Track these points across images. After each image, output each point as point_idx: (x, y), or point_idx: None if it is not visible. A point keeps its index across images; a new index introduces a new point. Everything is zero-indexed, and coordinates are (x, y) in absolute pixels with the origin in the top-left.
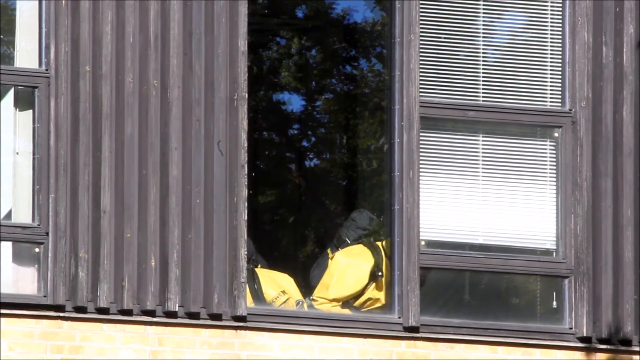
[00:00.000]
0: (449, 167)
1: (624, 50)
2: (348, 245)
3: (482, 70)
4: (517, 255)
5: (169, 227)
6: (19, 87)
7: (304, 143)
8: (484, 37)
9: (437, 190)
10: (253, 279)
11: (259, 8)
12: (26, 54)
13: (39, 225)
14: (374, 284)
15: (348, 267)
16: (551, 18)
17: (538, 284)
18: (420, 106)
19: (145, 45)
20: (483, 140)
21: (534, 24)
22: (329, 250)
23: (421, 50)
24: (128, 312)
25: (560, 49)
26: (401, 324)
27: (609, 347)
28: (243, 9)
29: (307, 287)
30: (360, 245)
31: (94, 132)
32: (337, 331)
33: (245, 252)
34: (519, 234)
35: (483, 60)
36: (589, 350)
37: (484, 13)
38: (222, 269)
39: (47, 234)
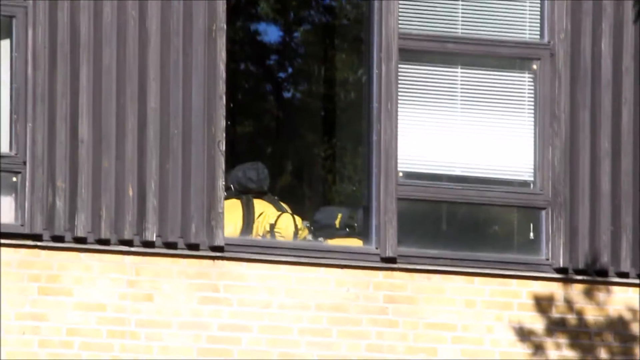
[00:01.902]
0: (427, 99)
1: None
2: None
3: (460, 2)
4: (494, 186)
5: (147, 157)
6: None
7: (282, 74)
8: None
9: (415, 122)
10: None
11: None
12: None
13: (16, 154)
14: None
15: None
16: None
17: (515, 215)
18: (399, 38)
19: None
20: (461, 72)
21: None
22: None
23: None
24: (105, 242)
25: None
26: (378, 254)
27: (585, 277)
28: None
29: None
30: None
31: (71, 62)
32: (314, 262)
33: (223, 183)
34: (496, 166)
35: None
36: (566, 281)
37: None
38: (199, 200)
39: (25, 163)
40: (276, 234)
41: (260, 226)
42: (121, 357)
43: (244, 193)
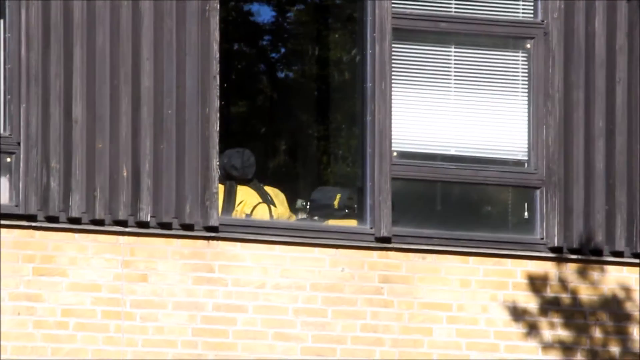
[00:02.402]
0: (421, 79)
1: None
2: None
3: None
4: (488, 166)
5: (141, 137)
6: None
7: (275, 54)
8: None
9: (409, 102)
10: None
11: None
12: None
13: (10, 135)
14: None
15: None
16: None
17: (510, 194)
18: (393, 17)
19: None
20: (455, 52)
21: None
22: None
23: None
24: (100, 222)
25: None
26: (373, 234)
27: (579, 257)
28: None
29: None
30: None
31: (65, 42)
32: (309, 242)
33: (217, 163)
34: (490, 145)
35: None
36: (560, 260)
37: None
38: (194, 180)
39: (19, 144)
40: None
41: (240, 213)
42: (116, 338)
43: (228, 179)
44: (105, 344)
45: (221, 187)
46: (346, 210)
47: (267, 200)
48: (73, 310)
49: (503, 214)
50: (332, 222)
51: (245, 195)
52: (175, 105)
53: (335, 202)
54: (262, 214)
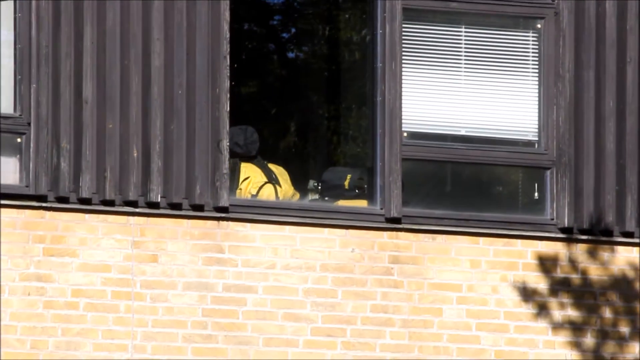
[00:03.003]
0: (431, 59)
1: None
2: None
3: None
4: (499, 146)
5: (151, 118)
6: None
7: (286, 34)
8: None
9: (419, 82)
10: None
11: None
12: None
13: (20, 115)
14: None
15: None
16: None
17: (520, 175)
18: None
19: None
20: (465, 32)
21: None
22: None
23: None
24: (110, 203)
25: None
26: (383, 215)
27: (590, 237)
28: None
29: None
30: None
31: (75, 22)
32: (319, 222)
33: (228, 144)
34: (501, 126)
35: None
36: (570, 240)
37: None
38: (204, 160)
39: (29, 124)
40: None
41: (245, 190)
42: (126, 318)
43: (232, 157)
44: (115, 325)
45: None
46: (356, 191)
47: (272, 179)
48: (83, 291)
49: (513, 195)
50: (343, 203)
51: (250, 172)
52: (185, 86)
53: (346, 183)
54: (268, 194)
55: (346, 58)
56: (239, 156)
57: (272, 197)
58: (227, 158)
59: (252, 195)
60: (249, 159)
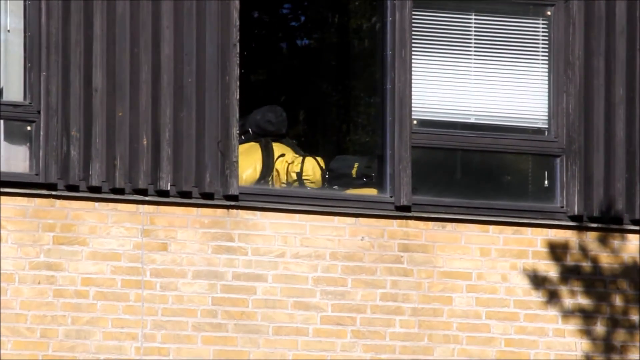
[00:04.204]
0: (441, 46)
1: None
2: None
3: None
4: (508, 134)
5: (161, 106)
6: None
7: (295, 22)
8: None
9: (429, 69)
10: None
11: None
12: None
13: (30, 103)
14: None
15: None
16: None
17: (530, 163)
18: None
19: None
20: (475, 19)
21: None
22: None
23: None
24: (120, 191)
25: None
26: (393, 203)
27: (600, 225)
28: None
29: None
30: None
31: (85, 10)
32: (329, 210)
33: (237, 131)
34: (510, 113)
35: None
36: (580, 228)
37: None
38: (214, 148)
39: (39, 112)
40: (305, 180)
41: (281, 168)
42: (136, 306)
43: (263, 136)
44: (125, 313)
45: (255, 145)
46: (364, 179)
47: (307, 154)
48: (93, 279)
49: (523, 183)
50: (351, 191)
51: (283, 149)
52: (195, 74)
53: (353, 171)
54: (313, 169)
55: (356, 46)
56: (271, 134)
57: (318, 170)
58: (236, 147)
59: (297, 174)
60: (279, 137)
